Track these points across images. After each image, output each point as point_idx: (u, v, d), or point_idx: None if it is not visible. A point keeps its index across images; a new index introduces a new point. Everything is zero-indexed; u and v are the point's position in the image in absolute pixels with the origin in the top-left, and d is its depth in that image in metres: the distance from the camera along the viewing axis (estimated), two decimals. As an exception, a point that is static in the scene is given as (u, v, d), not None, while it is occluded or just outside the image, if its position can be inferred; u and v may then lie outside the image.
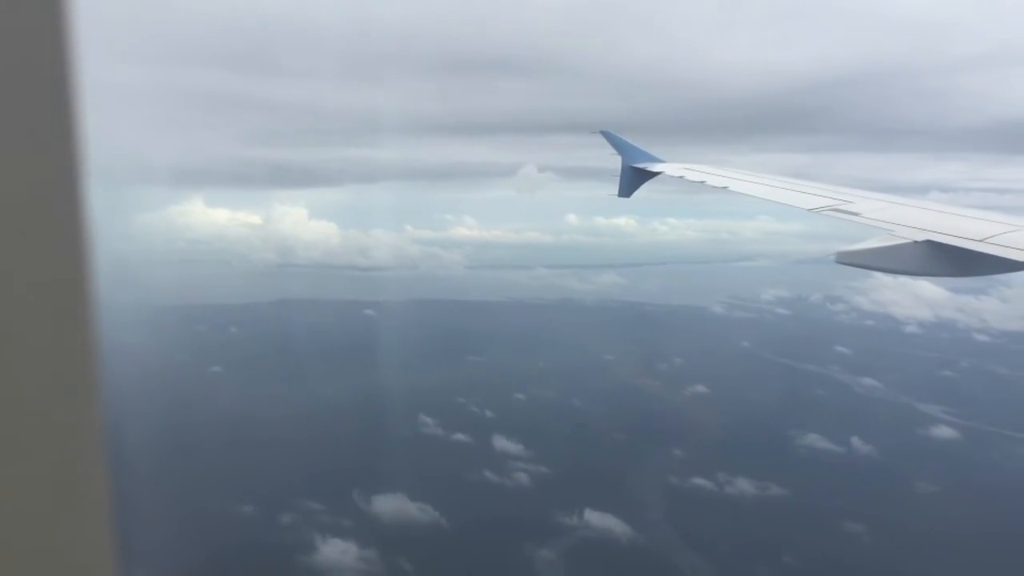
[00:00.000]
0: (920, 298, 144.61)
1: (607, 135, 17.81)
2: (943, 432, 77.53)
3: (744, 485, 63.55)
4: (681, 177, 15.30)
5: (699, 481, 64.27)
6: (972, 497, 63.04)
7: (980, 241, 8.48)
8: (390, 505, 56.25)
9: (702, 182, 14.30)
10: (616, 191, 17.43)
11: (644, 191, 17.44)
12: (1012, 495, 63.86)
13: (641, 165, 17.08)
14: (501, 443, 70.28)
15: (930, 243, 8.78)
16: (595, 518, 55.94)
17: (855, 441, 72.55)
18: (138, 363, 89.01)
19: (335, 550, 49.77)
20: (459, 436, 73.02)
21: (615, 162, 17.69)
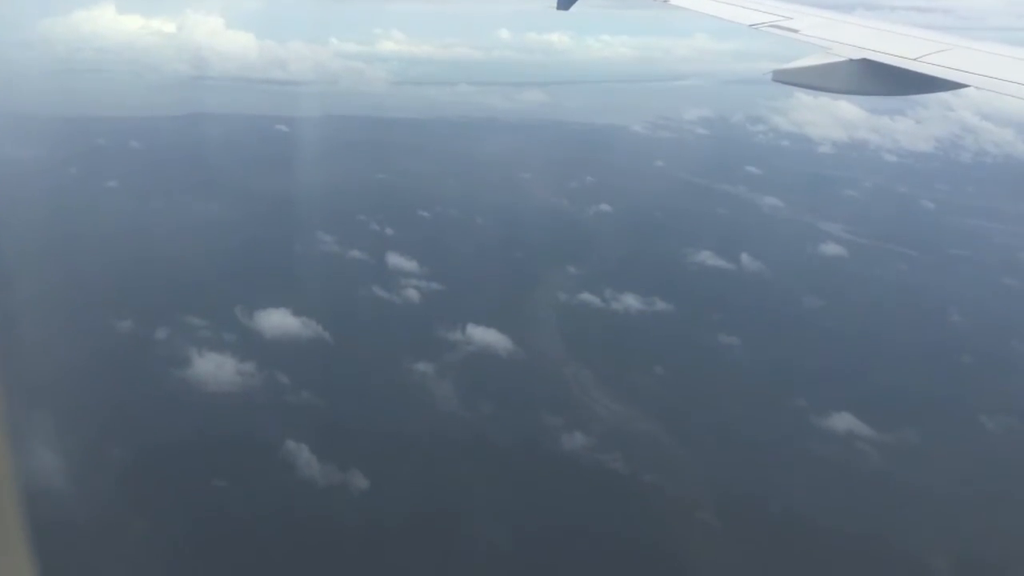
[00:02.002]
0: (837, 118, 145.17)
1: None
2: (832, 249, 79.55)
3: (630, 301, 64.75)
4: None
5: (586, 297, 65.29)
6: (852, 310, 65.51)
7: (914, 60, 8.40)
8: (273, 320, 56.17)
9: None
10: (554, 3, 16.64)
11: (581, 5, 16.64)
12: (887, 306, 66.41)
13: None
14: (395, 260, 70.17)
15: (865, 61, 8.61)
16: (478, 333, 56.68)
17: (744, 258, 74.07)
18: (26, 176, 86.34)
19: (211, 364, 49.83)
20: (355, 253, 72.63)
21: None
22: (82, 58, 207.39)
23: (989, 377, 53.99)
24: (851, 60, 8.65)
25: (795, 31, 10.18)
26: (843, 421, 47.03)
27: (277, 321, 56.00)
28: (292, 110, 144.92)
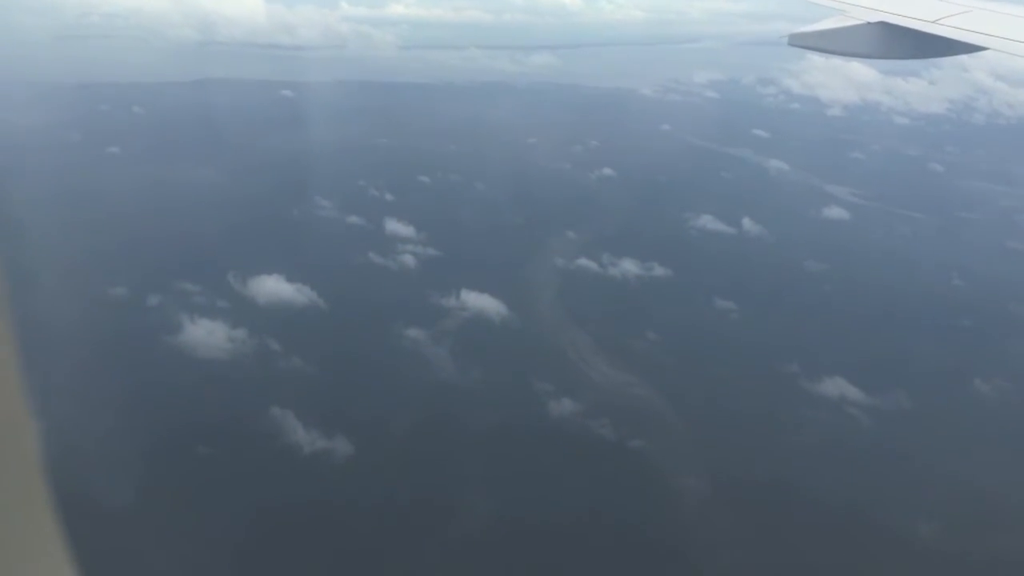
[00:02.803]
0: (850, 80, 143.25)
1: None
2: (835, 212, 78.69)
3: (628, 266, 64.30)
4: None
5: (584, 262, 64.86)
6: (851, 274, 64.99)
7: (932, 22, 8.10)
8: (267, 286, 56.03)
9: None
10: None
11: None
12: (887, 270, 65.76)
13: None
14: (392, 226, 69.83)
15: (883, 24, 8.33)
16: (472, 298, 56.40)
17: (746, 222, 73.36)
18: (26, 141, 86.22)
19: (202, 330, 49.80)
20: (353, 219, 72.30)
21: None
22: (90, 23, 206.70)
23: (987, 341, 53.47)
24: (868, 23, 8.42)
25: None
26: (835, 386, 46.72)
27: (271, 287, 55.87)
28: (298, 75, 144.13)
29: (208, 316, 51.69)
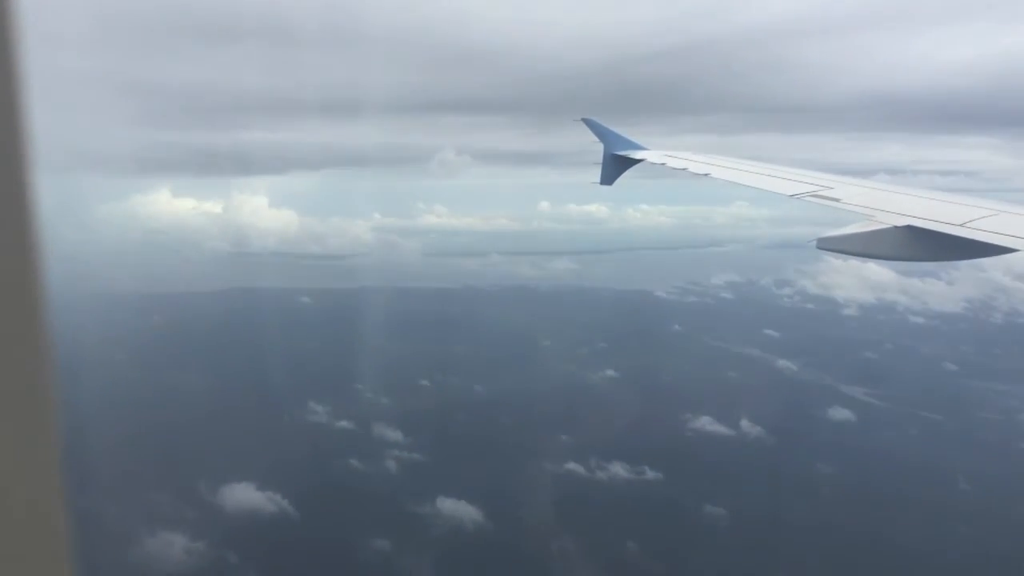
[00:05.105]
0: (867, 280, 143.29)
1: (589, 123, 17.61)
2: (840, 413, 76.13)
3: (618, 470, 62.05)
4: (663, 164, 15.34)
5: (572, 466, 62.74)
6: (852, 477, 61.95)
7: (960, 226, 8.37)
8: (236, 495, 54.65)
9: (684, 169, 14.48)
10: (598, 179, 17.30)
11: (624, 178, 17.25)
12: (890, 473, 62.57)
13: (623, 152, 16.94)
14: (381, 430, 68.72)
15: (911, 228, 8.66)
16: (447, 506, 54.42)
17: (744, 424, 71.13)
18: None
19: (160, 543, 48.14)
20: (343, 423, 71.42)
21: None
22: (132, 239, 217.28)
23: (989, 546, 49.81)
24: (896, 227, 8.77)
25: (836, 200, 10.36)
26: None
27: (240, 496, 54.45)
28: (321, 282, 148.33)
29: (170, 527, 50.09)
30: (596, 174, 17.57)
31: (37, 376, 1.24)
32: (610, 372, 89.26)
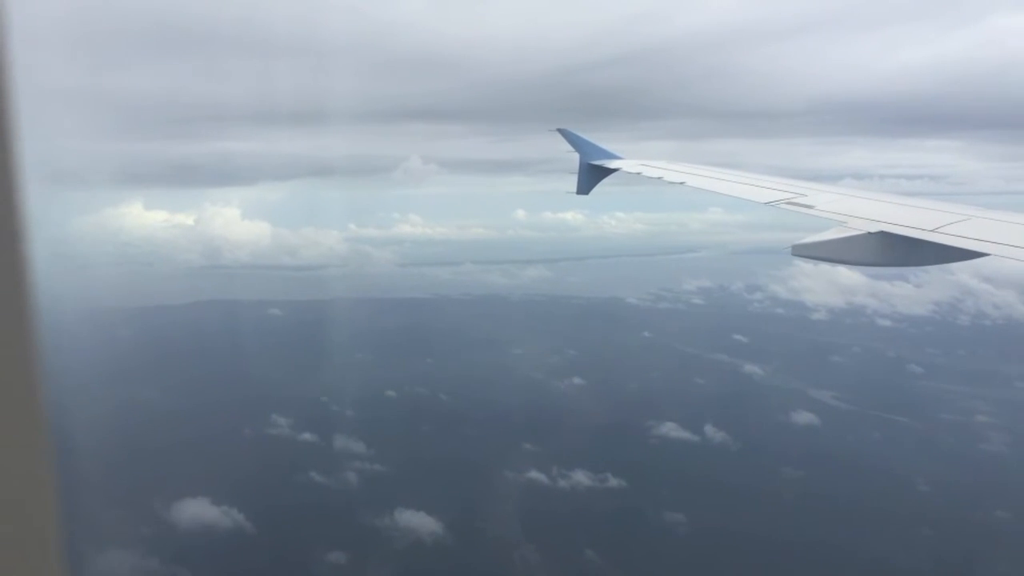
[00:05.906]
0: (837, 285, 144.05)
1: (565, 133, 17.77)
2: (804, 417, 76.23)
3: (580, 478, 61.78)
4: (639, 173, 15.48)
5: (534, 475, 62.40)
6: (814, 480, 61.98)
7: (932, 231, 8.63)
8: (191, 510, 53.90)
9: (659, 178, 14.69)
10: (574, 189, 17.47)
11: (600, 186, 17.47)
12: (851, 475, 62.60)
13: (599, 162, 17.14)
14: (343, 442, 68.11)
15: (883, 234, 8.89)
16: (406, 517, 53.95)
17: (708, 429, 71.08)
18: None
19: (109, 561, 47.32)
20: (305, 435, 70.74)
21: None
22: (103, 252, 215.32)
23: (949, 550, 49.86)
24: (869, 233, 8.96)
25: (810, 207, 10.65)
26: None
27: (194, 511, 53.70)
28: (292, 294, 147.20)
29: (121, 544, 49.29)
30: (569, 182, 17.74)
31: (28, 384, 1.21)
32: (577, 380, 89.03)
